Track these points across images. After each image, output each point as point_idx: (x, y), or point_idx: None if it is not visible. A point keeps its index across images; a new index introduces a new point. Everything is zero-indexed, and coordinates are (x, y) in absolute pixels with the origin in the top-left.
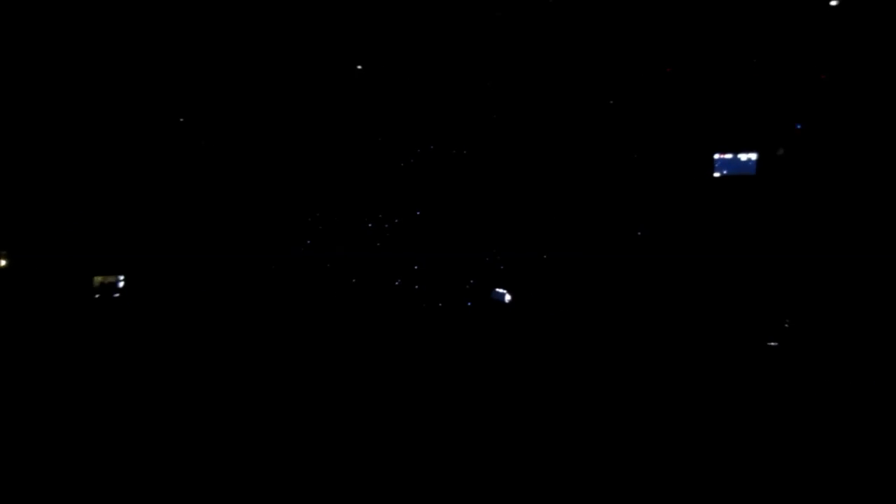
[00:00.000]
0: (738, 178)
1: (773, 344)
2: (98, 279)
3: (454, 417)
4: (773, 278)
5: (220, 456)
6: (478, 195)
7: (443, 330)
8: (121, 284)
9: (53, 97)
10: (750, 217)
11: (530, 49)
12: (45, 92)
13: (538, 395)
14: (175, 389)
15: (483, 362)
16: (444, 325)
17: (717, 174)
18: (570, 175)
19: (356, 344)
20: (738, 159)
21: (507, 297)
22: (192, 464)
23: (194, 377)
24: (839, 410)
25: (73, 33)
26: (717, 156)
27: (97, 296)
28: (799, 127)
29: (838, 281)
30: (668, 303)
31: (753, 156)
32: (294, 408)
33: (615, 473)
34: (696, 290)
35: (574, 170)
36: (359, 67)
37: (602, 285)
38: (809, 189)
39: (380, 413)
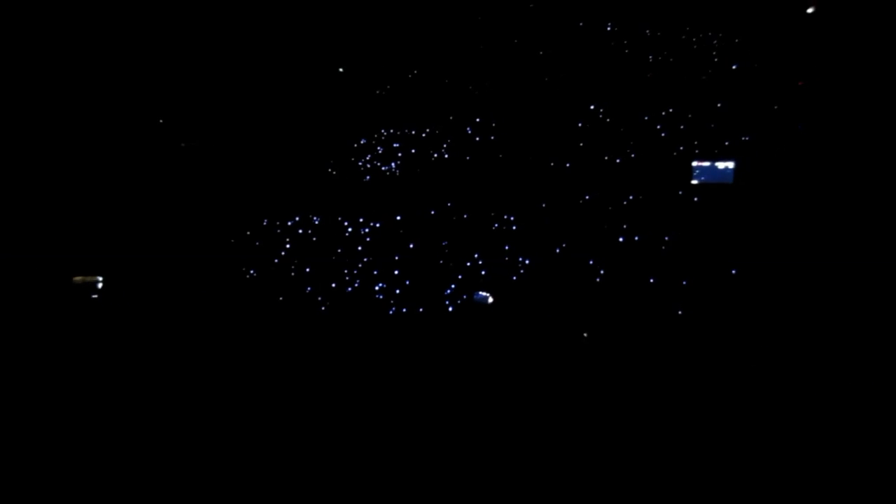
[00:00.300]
0: (716, 186)
1: (748, 346)
2: (77, 279)
3: (437, 419)
4: (748, 282)
5: (198, 455)
6: (460, 199)
7: (424, 333)
8: (100, 285)
9: (33, 101)
10: (726, 223)
11: (513, 55)
12: (23, 96)
13: (521, 396)
14: (152, 390)
15: (465, 365)
16: (426, 328)
17: (694, 181)
18: (550, 181)
19: (337, 347)
20: (716, 167)
21: (490, 300)
22: (170, 463)
23: (172, 378)
24: (822, 412)
25: (54, 38)
26: (695, 163)
27: (76, 296)
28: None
29: (810, 285)
30: (649, 305)
31: (731, 164)
32: (275, 409)
33: (596, 473)
34: (677, 293)
35: (554, 176)
36: (340, 70)
37: (582, 288)
38: (784, 197)
39: (361, 415)
